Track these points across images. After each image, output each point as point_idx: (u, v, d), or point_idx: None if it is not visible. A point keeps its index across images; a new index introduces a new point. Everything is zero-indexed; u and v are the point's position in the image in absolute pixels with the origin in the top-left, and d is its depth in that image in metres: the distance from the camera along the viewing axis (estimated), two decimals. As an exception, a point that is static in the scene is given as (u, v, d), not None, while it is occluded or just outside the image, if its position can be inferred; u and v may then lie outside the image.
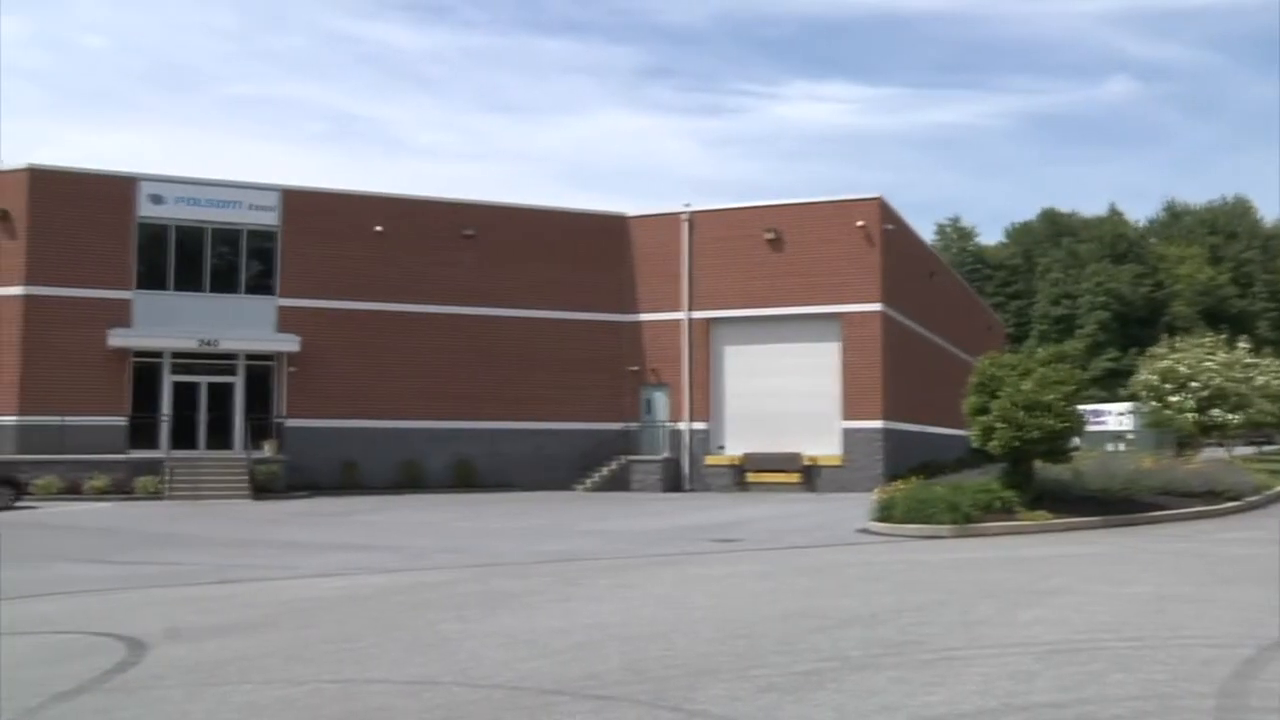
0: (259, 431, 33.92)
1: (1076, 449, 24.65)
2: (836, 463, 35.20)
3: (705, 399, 37.06)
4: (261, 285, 35.10)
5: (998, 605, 11.38)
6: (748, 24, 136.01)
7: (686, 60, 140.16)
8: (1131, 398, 46.59)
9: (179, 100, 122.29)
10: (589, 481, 36.28)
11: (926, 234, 66.51)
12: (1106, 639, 9.25)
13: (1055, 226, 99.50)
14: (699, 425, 37.03)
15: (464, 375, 36.15)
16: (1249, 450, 45.73)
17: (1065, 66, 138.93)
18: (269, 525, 24.02)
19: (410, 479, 34.92)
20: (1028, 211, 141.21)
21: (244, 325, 34.50)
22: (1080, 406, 22.38)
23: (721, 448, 36.84)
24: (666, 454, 37.01)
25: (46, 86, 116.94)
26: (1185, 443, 37.94)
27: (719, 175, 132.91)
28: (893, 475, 30.36)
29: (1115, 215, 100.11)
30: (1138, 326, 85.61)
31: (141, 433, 33.12)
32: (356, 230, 35.50)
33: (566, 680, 7.97)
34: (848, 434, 35.34)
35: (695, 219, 37.70)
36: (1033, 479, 21.68)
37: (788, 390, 35.90)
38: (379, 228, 35.64)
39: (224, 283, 34.82)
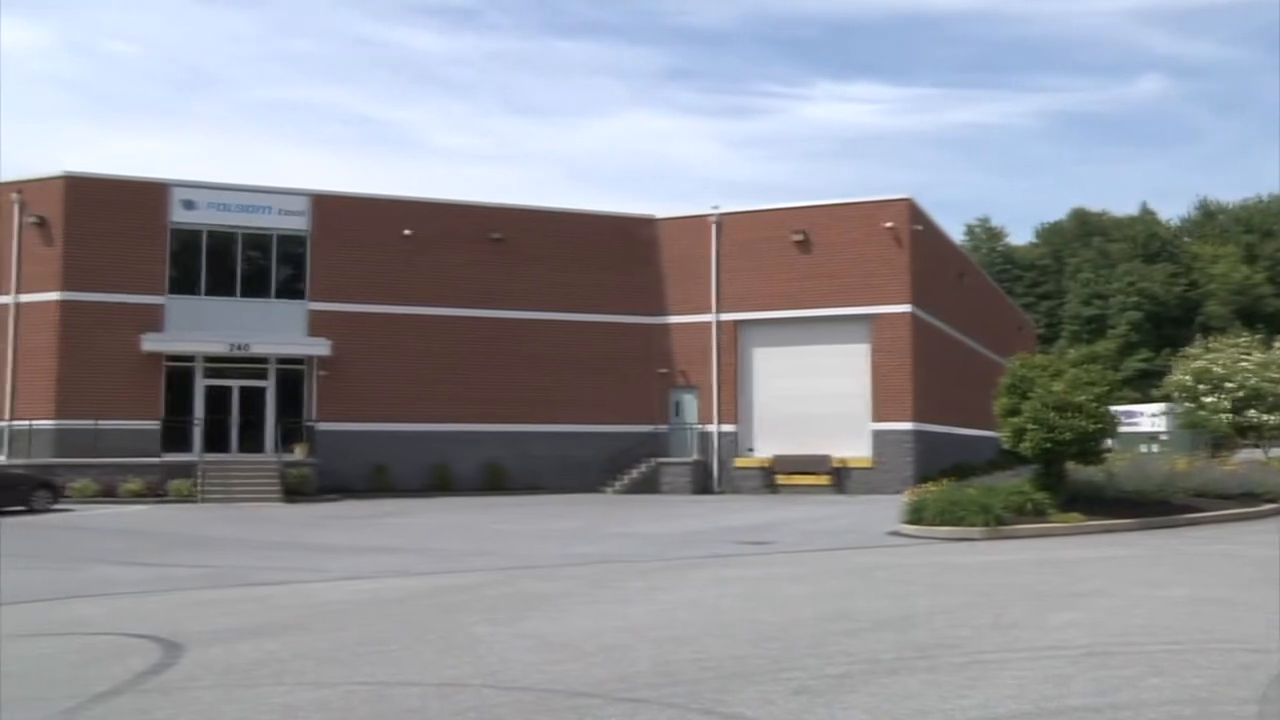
0: (290, 435, 34.16)
1: (1109, 450, 24.45)
2: (866, 465, 35.05)
3: (734, 401, 37.00)
4: (292, 289, 35.36)
5: (1031, 608, 11.29)
6: (773, 25, 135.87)
7: (711, 61, 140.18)
8: (1165, 399, 46.20)
9: (207, 105, 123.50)
10: (618, 484, 36.30)
11: (956, 235, 66.19)
12: (1142, 642, 9.16)
13: (1086, 226, 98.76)
14: (728, 427, 36.97)
15: (493, 378, 36.26)
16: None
17: (1095, 65, 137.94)
18: (300, 528, 24.17)
19: (440, 482, 35.05)
20: (1058, 211, 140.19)
21: (275, 329, 34.76)
22: (1113, 408, 22.21)
23: (751, 450, 36.76)
24: (696, 456, 36.98)
25: (79, 94, 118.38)
26: (1220, 444, 37.56)
27: (746, 177, 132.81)
28: (923, 477, 30.21)
29: (1147, 214, 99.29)
30: (1171, 326, 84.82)
31: (174, 436, 33.43)
32: (385, 234, 35.70)
33: (597, 683, 7.97)
34: (877, 436, 35.19)
35: (723, 221, 37.66)
36: (1065, 481, 21.53)
37: (817, 392, 35.79)
38: (407, 231, 35.83)
39: (255, 287, 35.10)
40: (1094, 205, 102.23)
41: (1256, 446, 37.45)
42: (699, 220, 38.02)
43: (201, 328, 33.86)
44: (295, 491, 31.86)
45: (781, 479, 35.77)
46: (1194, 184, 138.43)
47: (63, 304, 32.81)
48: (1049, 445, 20.72)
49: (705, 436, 37.22)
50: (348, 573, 16.34)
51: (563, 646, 9.53)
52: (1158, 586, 12.79)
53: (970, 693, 7.44)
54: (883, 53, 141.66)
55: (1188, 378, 35.79)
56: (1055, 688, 7.53)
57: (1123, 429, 36.26)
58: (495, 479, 35.74)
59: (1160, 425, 56.69)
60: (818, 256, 36.22)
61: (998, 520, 19.41)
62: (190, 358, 34.18)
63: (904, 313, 35.33)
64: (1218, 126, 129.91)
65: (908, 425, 34.98)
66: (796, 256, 36.44)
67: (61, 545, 21.21)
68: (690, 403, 37.71)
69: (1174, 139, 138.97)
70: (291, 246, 35.40)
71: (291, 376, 35.20)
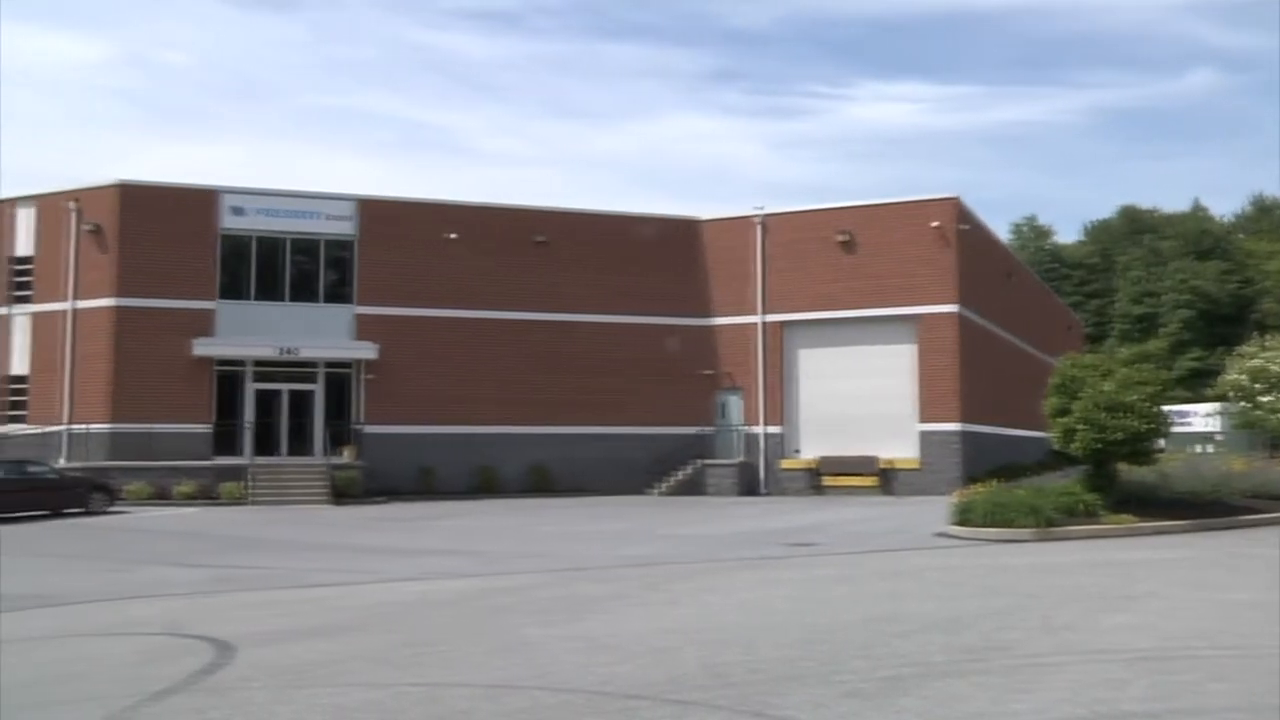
0: (338, 437, 34.49)
1: (1161, 451, 24.09)
2: (913, 466, 34.80)
3: (779, 402, 36.88)
4: (339, 294, 35.70)
5: (1083, 610, 11.16)
6: (816, 25, 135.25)
7: (755, 62, 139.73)
8: (1219, 398, 45.42)
9: (257, 113, 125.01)
10: (664, 486, 36.30)
11: (1002, 233, 65.51)
12: (1200, 647, 9.01)
13: (1135, 224, 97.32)
14: (773, 429, 36.85)
15: (539, 381, 36.39)
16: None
17: (1143, 59, 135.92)
18: (349, 530, 24.40)
19: (486, 484, 35.23)
20: (1106, 209, 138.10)
21: (322, 333, 35.11)
22: (1164, 407, 21.89)
23: (797, 451, 36.62)
24: (741, 458, 36.89)
25: (133, 104, 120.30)
26: (1278, 444, 36.87)
27: (790, 177, 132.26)
28: (970, 478, 29.95)
29: (1199, 211, 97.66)
30: (1224, 325, 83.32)
31: (225, 439, 33.87)
32: (430, 238, 35.95)
33: (647, 685, 7.98)
34: (924, 436, 34.93)
35: (767, 222, 37.55)
36: (1116, 481, 21.25)
37: (863, 393, 35.59)
38: (453, 235, 36.05)
39: (303, 292, 35.48)
40: (1144, 202, 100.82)
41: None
42: (744, 221, 37.95)
43: (251, 332, 34.28)
44: (343, 494, 32.15)
45: (827, 480, 35.60)
46: (1247, 179, 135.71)
47: (117, 310, 33.35)
48: (1099, 446, 20.46)
49: (751, 438, 37.12)
50: (397, 574, 16.48)
51: (612, 648, 9.54)
52: (1215, 589, 12.59)
53: (1024, 696, 7.36)
54: (927, 51, 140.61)
55: (1243, 377, 35.18)
56: (1111, 691, 7.43)
57: (1175, 429, 35.70)
58: (541, 481, 35.87)
59: (1214, 425, 55.74)
60: (863, 257, 36.02)
61: (1048, 521, 19.20)
62: (240, 362, 34.62)
63: (950, 313, 35.04)
64: (1271, 120, 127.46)
65: (954, 426, 34.68)
66: (841, 257, 36.26)
67: (118, 546, 21.58)
68: (735, 404, 37.63)
69: (1226, 133, 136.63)
70: (338, 251, 35.75)
71: (339, 380, 35.54)
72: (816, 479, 35.79)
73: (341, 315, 35.46)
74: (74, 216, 34.02)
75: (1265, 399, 34.14)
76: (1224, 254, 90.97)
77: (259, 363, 34.75)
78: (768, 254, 37.23)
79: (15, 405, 34.61)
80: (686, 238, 38.42)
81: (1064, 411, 21.07)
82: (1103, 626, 10.14)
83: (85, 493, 28.75)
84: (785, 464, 36.52)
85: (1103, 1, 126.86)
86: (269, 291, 35.09)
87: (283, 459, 34.15)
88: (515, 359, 36.30)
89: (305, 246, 35.54)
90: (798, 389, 36.98)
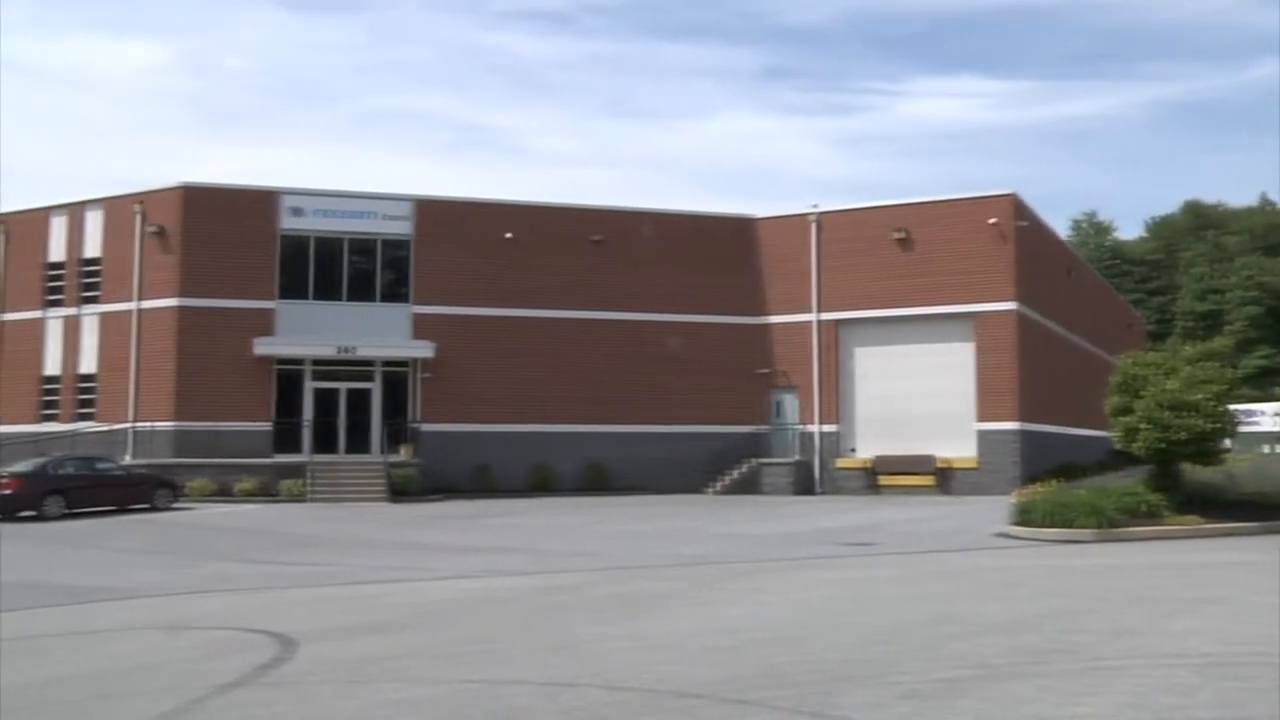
0: (395, 436, 34.83)
1: (1228, 451, 23.61)
2: (971, 465, 34.42)
3: (835, 401, 36.66)
4: (396, 293, 36.04)
5: (1147, 613, 10.98)
6: (872, 21, 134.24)
7: (810, 60, 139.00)
8: (1287, 397, 44.36)
9: (315, 115, 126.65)
10: (719, 484, 36.24)
11: (1061, 230, 64.57)
12: (1270, 653, 8.80)
13: (1199, 219, 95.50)
14: (829, 428, 36.64)
15: (595, 379, 36.48)
16: None
17: (1208, 50, 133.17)
18: (406, 527, 24.64)
19: (542, 482, 35.39)
20: (1169, 204, 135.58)
21: (380, 332, 35.48)
22: (1231, 406, 21.46)
23: (853, 450, 36.38)
24: (797, 457, 36.72)
25: (196, 108, 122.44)
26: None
27: (846, 175, 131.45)
28: (1030, 478, 29.58)
29: (1267, 205, 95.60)
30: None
31: (285, 437, 34.33)
32: (487, 237, 36.17)
33: (704, 684, 7.98)
34: (982, 436, 34.53)
35: (823, 219, 37.33)
36: (1181, 482, 20.89)
37: (920, 391, 35.26)
38: (509, 234, 36.24)
39: (361, 291, 35.87)
40: (1208, 197, 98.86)
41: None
42: (799, 219, 37.76)
43: (310, 331, 34.72)
44: (401, 492, 32.46)
45: (884, 479, 35.33)
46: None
47: (180, 310, 33.94)
48: (1163, 445, 20.12)
49: (806, 437, 36.93)
50: (454, 572, 16.63)
51: (668, 647, 9.55)
52: (1283, 592, 12.31)
53: (1088, 700, 7.25)
54: (984, 46, 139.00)
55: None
56: (1179, 698, 7.29)
57: (1242, 429, 35.01)
58: (597, 479, 35.96)
59: (1282, 425, 54.51)
60: (919, 254, 35.69)
61: (1110, 522, 18.92)
62: (299, 361, 35.08)
63: (1009, 310, 34.61)
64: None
65: (1013, 425, 34.25)
66: (898, 254, 35.95)
67: (182, 542, 22.00)
68: (791, 403, 37.47)
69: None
70: (396, 251, 36.10)
71: (396, 378, 35.89)
72: (872, 478, 35.53)
73: (399, 314, 35.80)
74: (139, 219, 34.68)
75: (1336, 398, 33.28)
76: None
77: (318, 362, 35.20)
78: (823, 252, 37.01)
79: (84, 403, 35.41)
80: (742, 236, 38.32)
81: (1126, 410, 20.74)
82: (1168, 630, 9.97)
83: (151, 489, 29.33)
84: (841, 463, 36.30)
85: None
86: (328, 291, 35.51)
87: (341, 457, 34.57)
88: (572, 358, 36.41)
89: (363, 246, 35.93)
90: (853, 387, 36.73)
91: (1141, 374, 21.02)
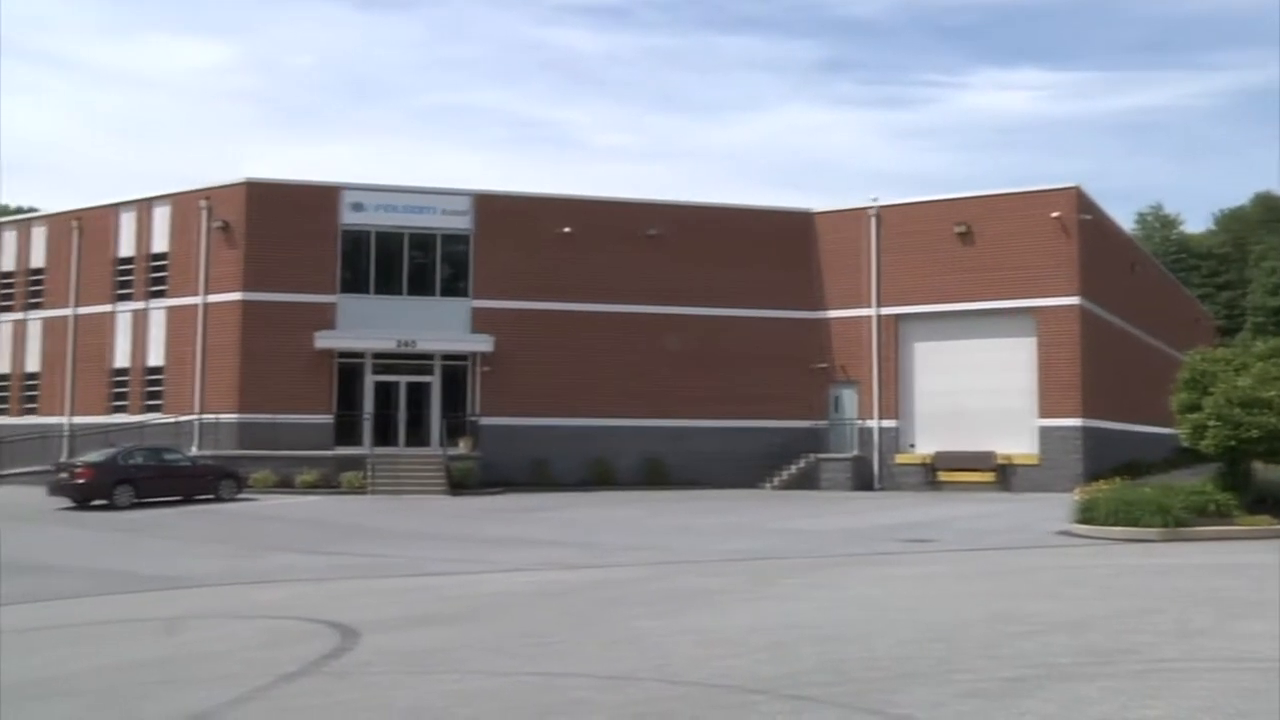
0: (454, 429, 35.10)
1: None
2: (1032, 462, 33.96)
3: (894, 396, 36.35)
4: (455, 287, 36.32)
5: (1216, 615, 10.76)
6: (931, 12, 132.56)
7: (868, 52, 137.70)
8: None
9: (376, 111, 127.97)
10: (777, 479, 36.10)
11: (1126, 223, 63.35)
12: (1343, 655, 8.58)
13: (1272, 211, 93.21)
14: (888, 423, 36.34)
15: (652, 373, 36.49)
16: None
17: (1276, 37, 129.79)
18: (465, 520, 24.85)
19: (600, 476, 35.48)
20: (1239, 196, 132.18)
21: (439, 326, 35.76)
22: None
23: (912, 446, 36.06)
24: (855, 452, 36.46)
25: (259, 105, 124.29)
26: None
27: (905, 168, 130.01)
28: (1092, 475, 29.14)
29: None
30: (1369, 317, 79.35)
31: (345, 430, 34.76)
32: (545, 232, 36.31)
33: (763, 679, 7.94)
34: (1044, 432, 34.05)
35: (882, 214, 37.01)
36: (1251, 481, 20.45)
37: (980, 387, 34.85)
38: (567, 229, 36.36)
39: (420, 286, 36.19)
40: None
41: None
42: (857, 213, 37.46)
43: (370, 325, 35.10)
44: (459, 485, 32.70)
45: (943, 475, 34.98)
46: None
47: (244, 304, 34.49)
48: (1233, 443, 19.71)
49: (865, 432, 36.67)
50: (512, 565, 16.74)
51: (727, 642, 9.53)
52: (1358, 595, 12.00)
53: (1154, 702, 7.12)
54: (1046, 36, 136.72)
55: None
56: (1249, 702, 7.13)
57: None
58: (654, 474, 35.98)
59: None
60: (980, 248, 35.26)
61: (1177, 521, 18.56)
62: (360, 354, 35.50)
63: (1071, 305, 34.08)
64: None
65: (1076, 421, 33.73)
66: (958, 249, 35.55)
67: (247, 533, 22.37)
68: (849, 398, 37.21)
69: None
70: (455, 245, 36.37)
71: (455, 372, 36.17)
72: (932, 474, 35.20)
73: (458, 309, 36.07)
74: (204, 214, 35.30)
75: None
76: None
77: (378, 355, 35.59)
78: (883, 246, 36.68)
79: (152, 395, 36.15)
80: (799, 230, 38.11)
81: (1194, 407, 20.35)
82: (1237, 632, 9.75)
83: (216, 480, 29.85)
84: (900, 459, 36.00)
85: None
86: (388, 285, 35.88)
87: (401, 450, 34.92)
88: (629, 352, 36.45)
89: (423, 241, 36.25)
90: (913, 383, 36.40)
91: (1210, 370, 20.60)
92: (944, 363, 35.75)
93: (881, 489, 35.56)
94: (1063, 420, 33.78)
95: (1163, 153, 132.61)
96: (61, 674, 9.08)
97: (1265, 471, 20.82)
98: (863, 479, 35.88)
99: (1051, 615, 10.72)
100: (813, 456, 36.37)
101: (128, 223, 37.54)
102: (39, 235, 40.11)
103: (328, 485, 32.53)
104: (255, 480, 31.65)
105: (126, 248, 37.49)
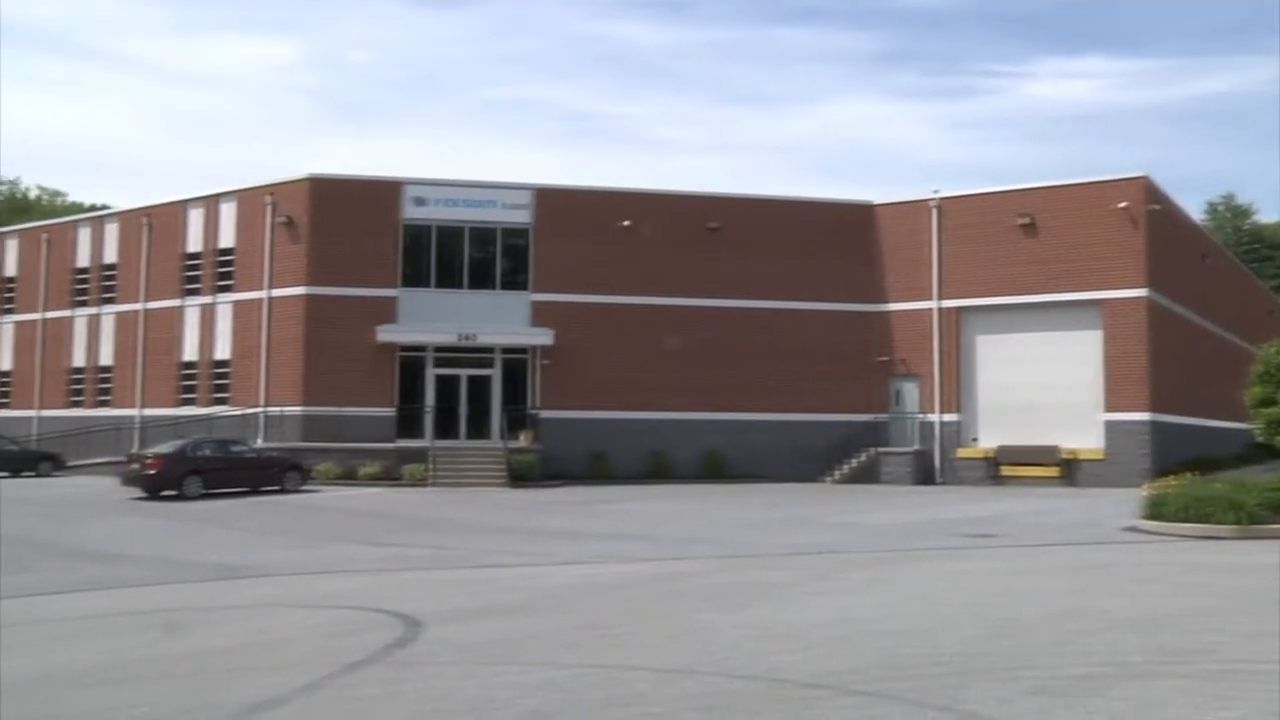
0: (515, 422, 35.33)
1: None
2: (1097, 456, 33.40)
3: (956, 390, 35.95)
4: (516, 281, 36.53)
5: (1293, 614, 10.47)
6: (993, 2, 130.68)
7: (929, 43, 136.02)
8: None
9: (436, 107, 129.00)
10: (838, 473, 35.88)
11: (1196, 213, 62.02)
12: None
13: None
14: (950, 417, 35.95)
15: (712, 367, 36.43)
16: None
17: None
18: (526, 513, 25.01)
19: (659, 469, 35.52)
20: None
21: (500, 320, 36.00)
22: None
23: (974, 440, 35.64)
24: (917, 446, 36.12)
25: (321, 101, 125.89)
26: None
27: (967, 160, 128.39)
28: (1160, 471, 28.57)
29: None
30: None
31: (407, 423, 35.14)
32: (605, 226, 36.38)
33: (826, 674, 7.89)
34: (1110, 427, 33.46)
35: (944, 205, 36.58)
36: (1330, 477, 19.88)
37: (1044, 381, 34.34)
38: (627, 222, 36.39)
39: (481, 279, 36.45)
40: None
41: None
42: (918, 205, 37.08)
43: (432, 319, 35.43)
44: (520, 477, 32.92)
45: (1006, 470, 34.54)
46: None
47: (307, 298, 34.99)
48: (1309, 438, 19.21)
49: (926, 426, 36.31)
50: (573, 557, 16.81)
51: (789, 636, 9.49)
52: None
53: (1231, 704, 6.95)
54: (1111, 25, 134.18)
55: None
56: (1326, 702, 6.95)
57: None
58: (714, 467, 35.93)
59: None
60: (1045, 240, 34.72)
61: (1251, 519, 18.11)
62: (421, 348, 35.84)
63: (1139, 297, 33.44)
64: None
65: (1143, 415, 33.11)
66: (1022, 240, 35.03)
67: (311, 524, 22.71)
68: (910, 391, 36.86)
69: None
70: (515, 239, 36.58)
71: (516, 365, 36.39)
72: (994, 469, 34.77)
73: (518, 302, 36.28)
74: (269, 210, 35.85)
75: None
76: None
77: (439, 349, 35.90)
78: (944, 238, 36.27)
79: (219, 388, 36.84)
80: (860, 222, 37.80)
81: (1270, 401, 19.92)
82: (1314, 632, 9.49)
83: (281, 472, 30.36)
84: (962, 453, 35.60)
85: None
86: (449, 279, 36.18)
87: (462, 442, 35.22)
88: (689, 345, 36.40)
89: (483, 235, 36.49)
90: (975, 376, 35.97)
91: (1285, 363, 20.11)
92: (1007, 356, 35.28)
93: (943, 483, 35.21)
94: (1130, 414, 33.18)
95: (1234, 141, 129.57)
96: (136, 659, 9.29)
97: (1343, 467, 20.28)
98: (924, 473, 35.53)
99: (1120, 612, 10.53)
100: (873, 450, 36.10)
101: (195, 219, 38.29)
102: (111, 232, 41.08)
103: (390, 477, 32.91)
104: (319, 472, 32.12)
105: (194, 243, 38.24)
